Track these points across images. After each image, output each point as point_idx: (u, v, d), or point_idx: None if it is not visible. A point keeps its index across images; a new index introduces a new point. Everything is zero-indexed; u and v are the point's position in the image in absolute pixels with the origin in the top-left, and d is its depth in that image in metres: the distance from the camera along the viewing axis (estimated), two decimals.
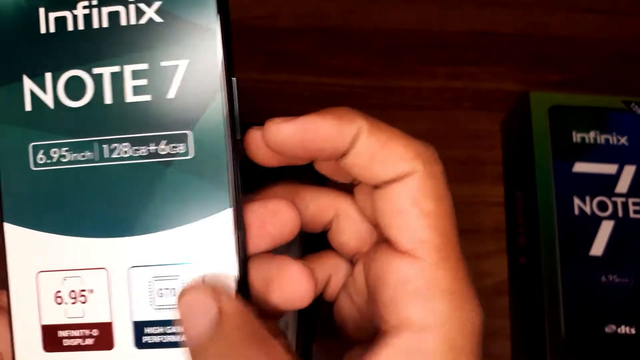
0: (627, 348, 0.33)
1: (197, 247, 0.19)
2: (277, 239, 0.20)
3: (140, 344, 0.19)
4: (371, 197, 0.20)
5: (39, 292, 0.19)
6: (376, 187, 0.19)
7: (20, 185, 0.19)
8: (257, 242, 0.19)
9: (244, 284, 0.19)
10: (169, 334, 0.19)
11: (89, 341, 0.19)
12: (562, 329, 0.33)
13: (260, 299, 0.19)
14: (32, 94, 0.19)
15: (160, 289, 0.19)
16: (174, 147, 0.19)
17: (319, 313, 0.31)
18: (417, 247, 0.18)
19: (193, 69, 0.19)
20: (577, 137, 0.36)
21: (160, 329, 0.19)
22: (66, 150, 0.19)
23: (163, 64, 0.19)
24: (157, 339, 0.19)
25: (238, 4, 0.43)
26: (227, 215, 0.19)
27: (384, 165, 0.19)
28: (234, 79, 0.20)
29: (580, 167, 0.36)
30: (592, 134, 0.36)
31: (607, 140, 0.36)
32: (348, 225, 0.22)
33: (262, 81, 0.41)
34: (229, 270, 0.19)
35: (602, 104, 0.37)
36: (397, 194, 0.19)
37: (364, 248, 0.22)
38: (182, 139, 0.19)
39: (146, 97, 0.19)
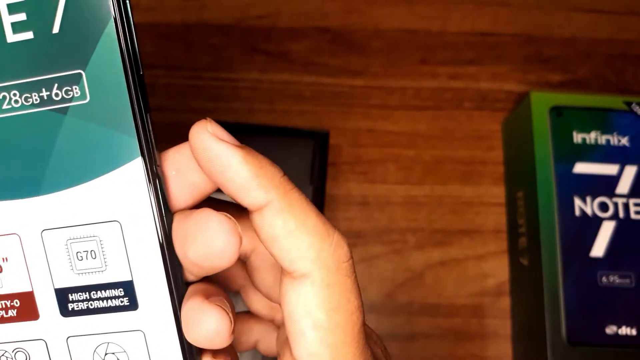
0: (628, 349, 0.33)
1: (111, 204, 0.17)
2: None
3: (66, 312, 0.18)
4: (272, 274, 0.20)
5: None
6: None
7: None
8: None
9: (168, 242, 0.17)
10: (95, 299, 0.17)
11: (12, 313, 0.18)
12: (562, 330, 0.33)
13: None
14: None
15: (79, 252, 0.17)
16: (67, 90, 0.16)
17: None
18: None
19: None
20: (578, 137, 0.36)
21: (84, 295, 0.17)
22: None
23: None
24: (82, 305, 0.18)
25: (238, 3, 0.43)
26: (137, 165, 0.17)
27: (281, 254, 0.17)
28: (127, 0, 0.16)
29: (581, 167, 0.36)
30: (593, 135, 0.36)
31: (608, 140, 0.36)
32: (257, 297, 0.22)
33: (261, 81, 0.41)
34: (149, 227, 0.17)
35: (603, 105, 0.37)
36: (290, 298, 0.17)
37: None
38: (74, 80, 0.16)
39: (28, 35, 0.16)
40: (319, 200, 0.34)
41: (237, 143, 0.17)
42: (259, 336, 0.22)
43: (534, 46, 0.43)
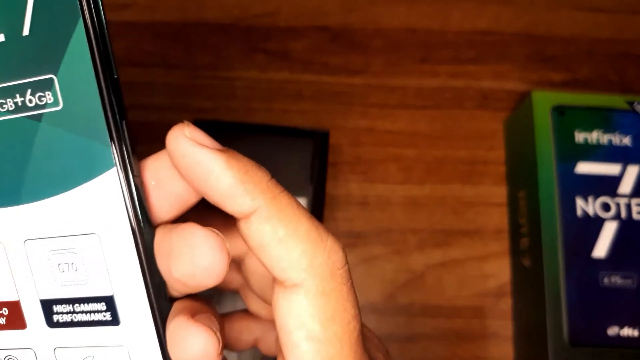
0: (630, 350, 0.33)
1: (89, 216, 0.16)
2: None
3: (52, 323, 0.17)
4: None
5: None
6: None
7: None
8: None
9: (148, 257, 0.16)
10: (78, 312, 0.17)
11: (1, 320, 0.18)
12: (564, 331, 0.33)
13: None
14: None
15: (60, 264, 0.17)
16: (40, 96, 0.16)
17: None
18: None
19: None
20: (580, 137, 0.36)
21: (68, 307, 0.17)
22: None
23: None
24: (67, 318, 0.17)
25: (238, 2, 0.43)
26: (113, 176, 0.16)
27: (271, 262, 0.16)
28: None
29: (583, 167, 0.35)
30: (595, 134, 0.36)
31: (610, 140, 0.36)
32: (254, 298, 0.21)
33: (261, 80, 0.41)
34: (127, 240, 0.16)
35: (606, 104, 0.37)
36: (282, 308, 0.16)
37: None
38: (47, 85, 0.16)
39: (0, 37, 0.15)
40: (319, 200, 0.34)
41: (219, 146, 0.16)
42: (259, 335, 0.22)
43: (535, 45, 0.42)
